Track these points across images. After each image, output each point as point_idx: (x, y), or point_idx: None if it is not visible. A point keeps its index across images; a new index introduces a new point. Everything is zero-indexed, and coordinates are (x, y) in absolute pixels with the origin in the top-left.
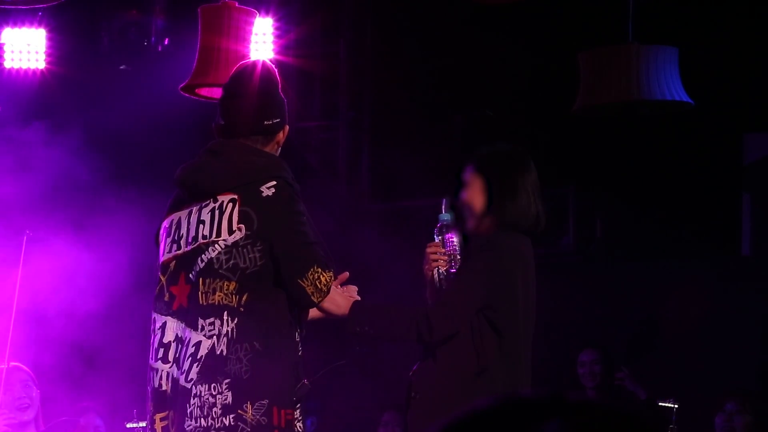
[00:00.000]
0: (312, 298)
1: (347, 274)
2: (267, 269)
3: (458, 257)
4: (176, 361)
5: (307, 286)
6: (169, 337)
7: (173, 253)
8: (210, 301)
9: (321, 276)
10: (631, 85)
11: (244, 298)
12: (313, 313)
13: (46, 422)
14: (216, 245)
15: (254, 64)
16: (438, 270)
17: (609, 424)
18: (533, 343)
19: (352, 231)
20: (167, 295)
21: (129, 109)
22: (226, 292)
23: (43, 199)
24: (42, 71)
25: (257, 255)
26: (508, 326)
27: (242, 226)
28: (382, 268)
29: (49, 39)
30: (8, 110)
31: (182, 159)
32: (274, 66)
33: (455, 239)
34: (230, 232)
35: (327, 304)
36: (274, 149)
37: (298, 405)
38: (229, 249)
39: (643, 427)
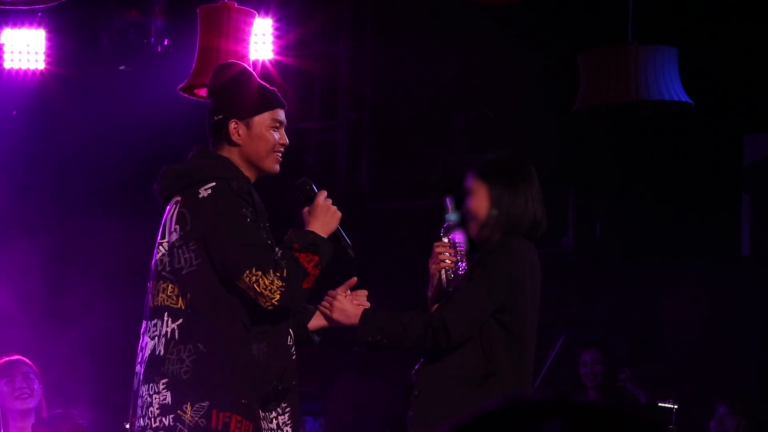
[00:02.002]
0: (258, 301)
1: (355, 279)
2: (206, 269)
3: (465, 257)
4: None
5: (246, 288)
6: (143, 341)
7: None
8: (155, 303)
9: (260, 279)
10: (631, 85)
11: (188, 299)
12: (321, 322)
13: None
14: (161, 247)
15: (218, 67)
16: (446, 270)
17: (611, 424)
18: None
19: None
20: (146, 299)
21: (128, 109)
22: (169, 293)
23: (42, 198)
24: (41, 72)
25: (192, 255)
26: (517, 329)
27: (178, 227)
28: (382, 269)
29: (49, 39)
30: (8, 110)
31: (181, 159)
32: (245, 63)
33: (462, 239)
34: (170, 233)
35: (336, 314)
36: (229, 151)
37: (286, 407)
38: (169, 250)
39: (645, 428)
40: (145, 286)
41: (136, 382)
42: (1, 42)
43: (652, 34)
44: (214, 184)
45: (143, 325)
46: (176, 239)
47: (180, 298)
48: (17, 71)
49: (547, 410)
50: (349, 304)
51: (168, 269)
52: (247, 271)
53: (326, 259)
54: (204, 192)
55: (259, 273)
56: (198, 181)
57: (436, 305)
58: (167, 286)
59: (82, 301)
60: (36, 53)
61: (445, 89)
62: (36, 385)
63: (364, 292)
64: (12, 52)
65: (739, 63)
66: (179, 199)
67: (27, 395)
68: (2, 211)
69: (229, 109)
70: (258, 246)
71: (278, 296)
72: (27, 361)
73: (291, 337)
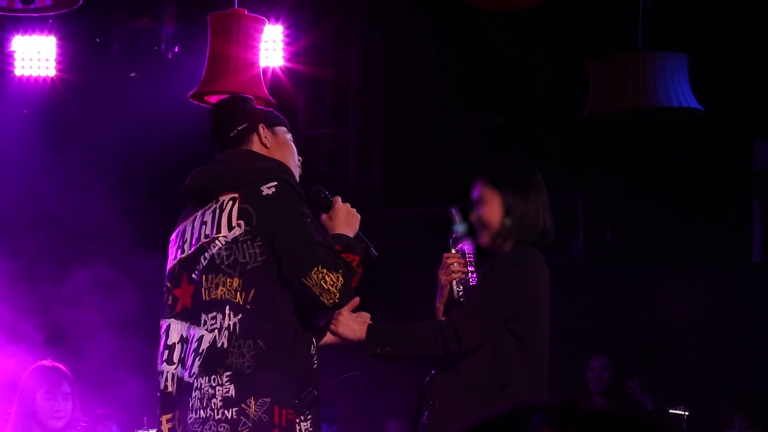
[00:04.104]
0: (321, 299)
1: (358, 299)
2: (269, 266)
3: (475, 267)
4: (181, 360)
5: (313, 286)
6: (173, 338)
7: (177, 257)
8: (213, 296)
9: (327, 276)
10: (641, 91)
11: (250, 295)
12: (329, 339)
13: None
14: (217, 241)
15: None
16: (457, 281)
17: (611, 428)
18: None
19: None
20: (171, 298)
21: (139, 116)
22: (229, 287)
23: (53, 204)
24: (52, 79)
25: (257, 251)
26: (531, 338)
27: (241, 222)
28: (392, 275)
29: (60, 47)
30: (20, 117)
31: (192, 165)
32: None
33: (471, 249)
34: (230, 228)
35: (342, 329)
36: (265, 151)
37: (308, 413)
38: (229, 245)
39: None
40: (160, 288)
41: (162, 381)
42: (13, 49)
43: (661, 40)
44: (276, 183)
45: (164, 325)
46: (240, 234)
47: (239, 293)
48: (28, 78)
49: (551, 414)
50: (354, 320)
51: (227, 263)
52: (316, 269)
53: (362, 259)
54: (267, 190)
55: (325, 270)
56: (259, 179)
57: (446, 316)
58: (226, 280)
59: (94, 304)
60: (47, 60)
61: (455, 95)
62: (70, 406)
63: (367, 315)
64: (23, 60)
65: (749, 69)
66: (237, 195)
67: (61, 417)
68: (14, 217)
69: (253, 117)
70: (323, 245)
71: (339, 294)
72: (68, 374)
73: (314, 346)
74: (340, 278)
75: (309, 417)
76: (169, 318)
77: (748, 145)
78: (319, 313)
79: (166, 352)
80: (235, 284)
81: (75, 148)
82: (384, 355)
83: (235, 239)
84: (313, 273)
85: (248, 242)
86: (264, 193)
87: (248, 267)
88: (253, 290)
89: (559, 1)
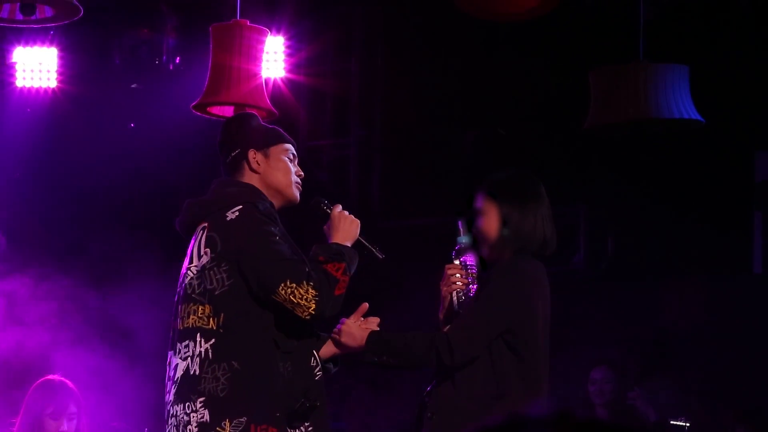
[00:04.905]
0: (296, 313)
1: (366, 305)
2: (239, 288)
3: (476, 279)
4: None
5: (283, 301)
6: (169, 369)
7: (177, 291)
8: (186, 325)
9: (295, 291)
10: (642, 103)
11: (221, 319)
12: (331, 348)
13: None
14: (190, 271)
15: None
16: (457, 292)
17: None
18: None
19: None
20: (172, 331)
21: (140, 127)
22: (200, 315)
23: (53, 215)
24: (54, 90)
25: (224, 275)
26: (528, 350)
27: (208, 249)
28: (394, 287)
29: (61, 58)
30: (20, 129)
31: (194, 177)
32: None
33: (473, 261)
34: (199, 257)
35: (344, 337)
36: (251, 178)
37: (309, 425)
38: (199, 273)
39: None
40: (160, 305)
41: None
42: (14, 60)
43: (662, 51)
44: (241, 207)
45: (168, 358)
46: (207, 261)
47: (211, 319)
48: (29, 89)
49: (546, 425)
50: (356, 328)
51: (198, 291)
52: (282, 284)
53: (353, 265)
54: (231, 215)
55: (294, 285)
56: (225, 206)
57: (447, 327)
58: (197, 308)
59: (89, 314)
60: (48, 71)
61: (457, 107)
62: (74, 426)
63: (375, 320)
64: (24, 71)
65: (750, 80)
66: (206, 224)
67: None
68: (14, 227)
69: (246, 142)
70: (289, 260)
71: (314, 305)
72: (75, 391)
73: (315, 359)
74: (311, 290)
75: (310, 428)
76: (170, 350)
77: (749, 156)
78: (322, 324)
79: (169, 383)
80: (206, 311)
81: (76, 159)
82: (380, 363)
83: (203, 267)
84: (280, 289)
85: (214, 268)
86: (228, 218)
87: (216, 293)
88: (223, 314)
89: (561, 12)
